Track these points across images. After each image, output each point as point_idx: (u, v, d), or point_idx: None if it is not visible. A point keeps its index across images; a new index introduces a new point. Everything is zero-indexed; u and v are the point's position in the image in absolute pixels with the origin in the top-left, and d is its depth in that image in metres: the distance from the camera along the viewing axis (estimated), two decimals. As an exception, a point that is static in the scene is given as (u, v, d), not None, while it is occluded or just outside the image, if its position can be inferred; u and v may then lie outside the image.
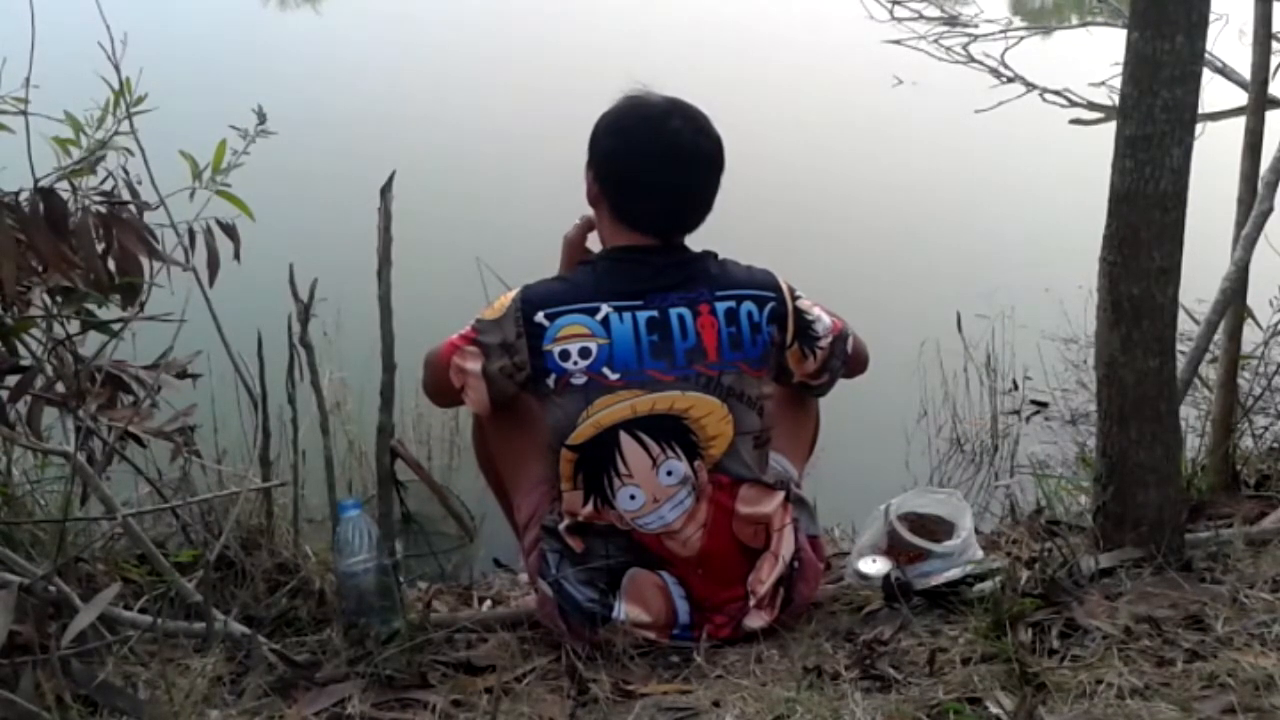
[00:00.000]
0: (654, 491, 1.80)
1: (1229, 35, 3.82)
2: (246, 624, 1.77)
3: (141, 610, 1.71)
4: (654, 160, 1.84)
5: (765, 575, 1.87)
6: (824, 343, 1.93)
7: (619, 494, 1.80)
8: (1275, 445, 2.69)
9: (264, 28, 8.60)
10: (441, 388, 1.92)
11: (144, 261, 1.89)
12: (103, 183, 1.91)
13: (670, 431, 1.80)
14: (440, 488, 2.34)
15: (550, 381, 1.81)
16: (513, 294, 1.85)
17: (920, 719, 1.51)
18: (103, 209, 1.86)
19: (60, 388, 1.90)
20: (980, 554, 1.99)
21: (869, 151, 5.74)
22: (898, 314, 3.70)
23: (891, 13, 6.34)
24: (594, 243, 1.99)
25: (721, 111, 1.89)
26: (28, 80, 1.78)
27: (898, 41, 6.32)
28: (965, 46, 6.17)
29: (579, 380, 1.79)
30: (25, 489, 1.98)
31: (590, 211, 1.95)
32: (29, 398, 1.87)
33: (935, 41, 6.28)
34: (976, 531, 2.06)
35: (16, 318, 1.83)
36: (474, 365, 1.84)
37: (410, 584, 2.15)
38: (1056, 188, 4.78)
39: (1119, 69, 1.86)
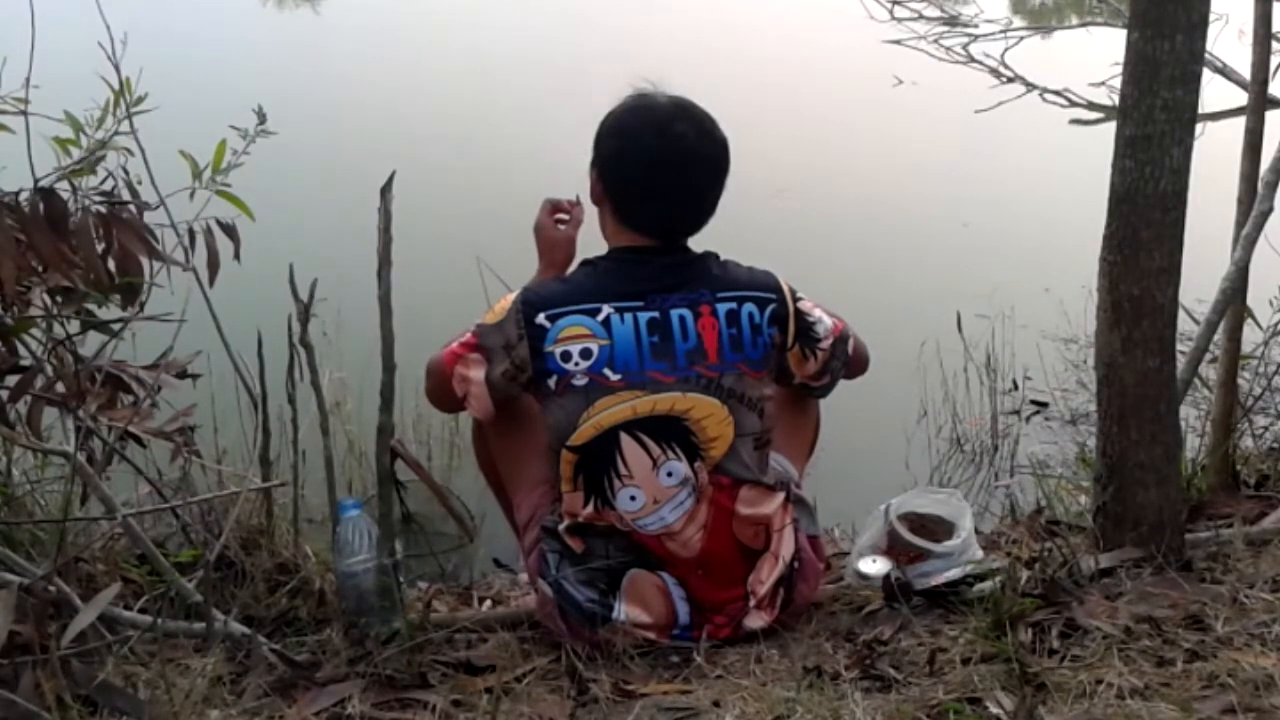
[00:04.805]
0: (654, 493, 1.80)
1: (1229, 35, 3.83)
2: (246, 624, 1.77)
3: (141, 610, 1.71)
4: (658, 164, 1.84)
5: (765, 576, 1.87)
6: (825, 344, 1.93)
7: (619, 495, 1.80)
8: (1275, 445, 2.69)
9: (264, 28, 8.59)
10: (444, 396, 1.92)
11: (144, 261, 1.89)
12: (103, 183, 1.91)
13: (671, 433, 1.80)
14: (440, 488, 2.34)
15: (551, 382, 1.81)
16: (512, 296, 1.85)
17: (920, 719, 1.51)
18: (103, 209, 1.86)
19: (60, 388, 1.90)
20: (980, 554, 1.99)
21: (869, 151, 5.73)
22: (898, 314, 3.69)
23: (891, 13, 6.36)
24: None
25: (721, 111, 1.89)
26: (28, 80, 1.78)
27: (898, 42, 6.33)
28: (965, 47, 6.18)
29: (580, 381, 1.79)
30: (25, 489, 1.98)
31: (551, 194, 2.02)
32: (29, 398, 1.86)
33: (935, 42, 6.29)
34: (976, 531, 2.06)
35: (16, 318, 1.83)
36: (477, 373, 1.84)
37: (410, 584, 2.15)
38: (1056, 188, 4.77)
39: (1119, 69, 1.86)
